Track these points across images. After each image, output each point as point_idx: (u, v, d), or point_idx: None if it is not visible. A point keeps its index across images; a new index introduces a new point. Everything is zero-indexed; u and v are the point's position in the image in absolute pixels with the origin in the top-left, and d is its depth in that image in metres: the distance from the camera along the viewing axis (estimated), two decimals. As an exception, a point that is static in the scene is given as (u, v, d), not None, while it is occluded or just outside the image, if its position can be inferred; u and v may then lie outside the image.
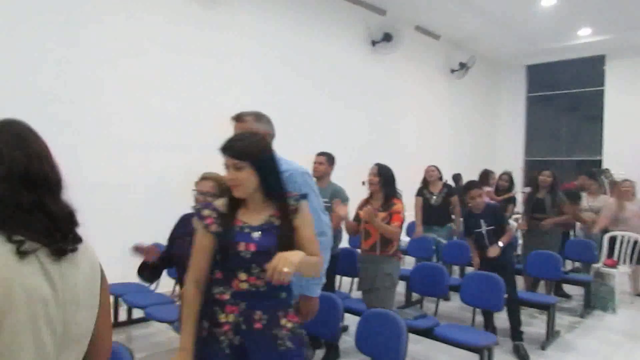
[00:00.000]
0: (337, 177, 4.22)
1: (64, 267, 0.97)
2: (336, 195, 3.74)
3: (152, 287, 4.16)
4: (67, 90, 4.56)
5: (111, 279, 4.60)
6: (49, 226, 0.95)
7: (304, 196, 1.78)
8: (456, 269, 6.16)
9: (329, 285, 3.64)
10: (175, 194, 5.17)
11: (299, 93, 6.66)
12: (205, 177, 2.55)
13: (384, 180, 3.45)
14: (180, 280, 2.54)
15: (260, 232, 1.67)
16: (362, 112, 7.72)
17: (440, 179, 5.74)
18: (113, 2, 4.90)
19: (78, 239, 1.01)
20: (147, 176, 5.10)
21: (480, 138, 10.67)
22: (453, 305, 5.06)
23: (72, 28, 4.61)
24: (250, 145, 1.67)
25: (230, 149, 1.67)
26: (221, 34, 5.85)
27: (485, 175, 7.03)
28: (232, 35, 5.96)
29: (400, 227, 3.39)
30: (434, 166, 5.77)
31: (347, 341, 3.67)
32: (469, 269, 5.05)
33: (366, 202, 3.58)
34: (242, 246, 1.64)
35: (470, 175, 6.64)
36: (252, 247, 1.64)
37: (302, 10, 6.76)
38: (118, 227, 4.91)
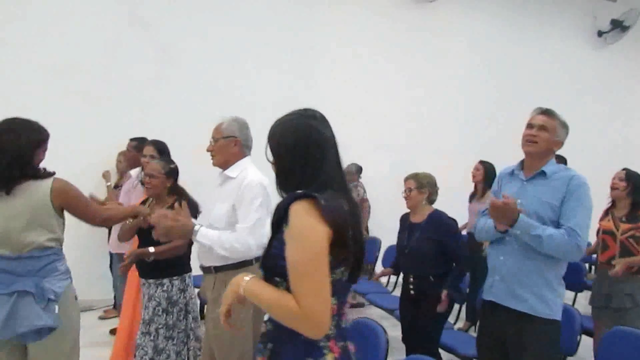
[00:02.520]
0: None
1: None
2: None
3: (367, 277, 4.52)
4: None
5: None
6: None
7: (306, 195, 1.19)
8: None
9: None
10: (389, 194, 5.55)
11: (509, 93, 6.35)
12: (407, 178, 2.87)
13: (632, 187, 3.12)
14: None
15: None
16: (583, 113, 6.94)
17: None
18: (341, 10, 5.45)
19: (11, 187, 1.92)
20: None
21: None
22: None
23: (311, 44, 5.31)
24: (275, 126, 1.30)
25: None
26: (432, 33, 5.96)
27: None
28: (442, 34, 6.02)
29: None
30: None
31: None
32: None
33: (606, 212, 3.27)
34: None
35: None
36: None
37: (514, 5, 6.43)
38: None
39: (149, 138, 3.33)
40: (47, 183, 1.97)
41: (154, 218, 1.90)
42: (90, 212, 2.09)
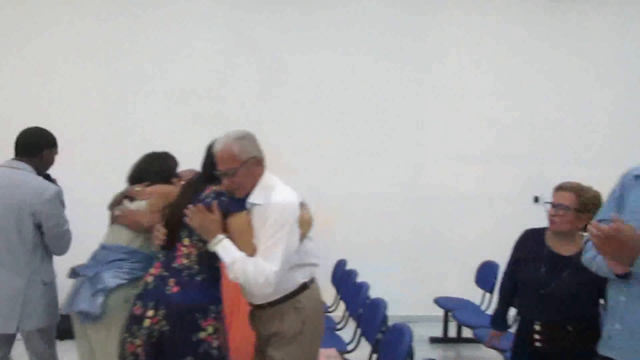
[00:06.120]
0: None
1: None
2: None
3: (484, 307, 3.91)
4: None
5: (445, 292, 4.49)
6: None
7: None
8: None
9: None
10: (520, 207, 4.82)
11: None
12: (561, 188, 2.16)
13: None
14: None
15: None
16: None
17: None
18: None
19: None
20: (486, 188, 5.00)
21: None
22: None
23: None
24: None
25: None
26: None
27: None
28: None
29: None
30: None
31: None
32: None
33: None
34: None
35: None
36: None
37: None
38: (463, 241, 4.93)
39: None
40: None
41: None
42: None
